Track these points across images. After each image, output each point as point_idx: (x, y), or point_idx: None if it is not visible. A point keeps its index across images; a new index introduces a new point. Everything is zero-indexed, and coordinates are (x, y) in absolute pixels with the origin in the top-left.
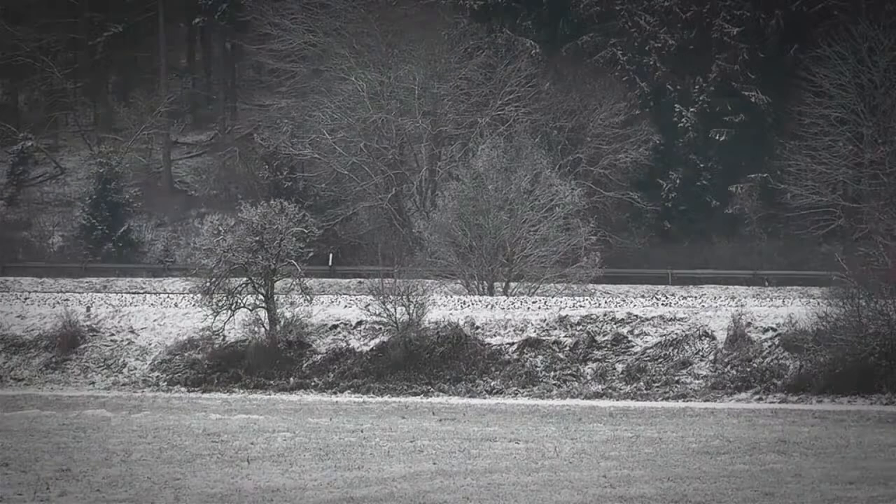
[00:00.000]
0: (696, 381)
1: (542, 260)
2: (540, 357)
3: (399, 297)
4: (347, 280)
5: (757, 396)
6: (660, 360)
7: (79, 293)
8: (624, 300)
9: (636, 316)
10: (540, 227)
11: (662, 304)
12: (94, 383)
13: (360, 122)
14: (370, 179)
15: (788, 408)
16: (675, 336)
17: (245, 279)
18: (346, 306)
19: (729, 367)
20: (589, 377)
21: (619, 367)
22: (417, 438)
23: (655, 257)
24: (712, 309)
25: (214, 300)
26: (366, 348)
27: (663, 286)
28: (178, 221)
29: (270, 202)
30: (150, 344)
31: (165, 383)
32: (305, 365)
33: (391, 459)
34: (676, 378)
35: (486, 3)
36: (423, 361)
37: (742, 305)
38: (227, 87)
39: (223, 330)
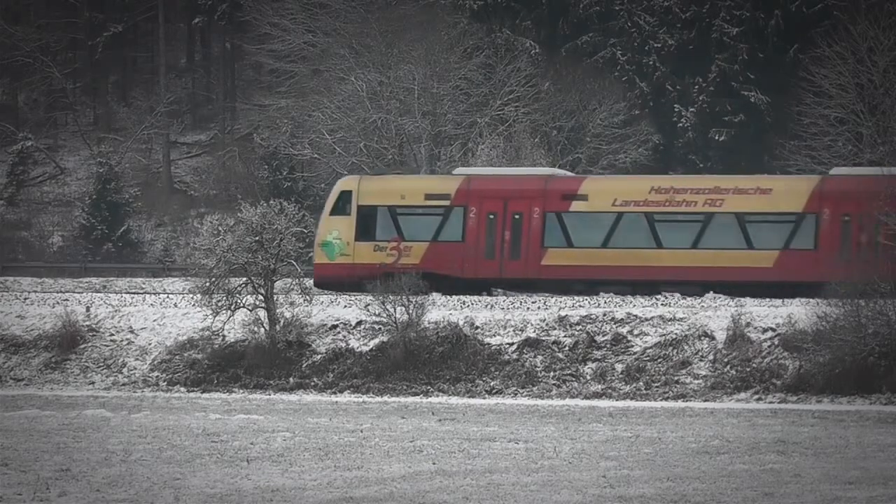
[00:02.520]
0: (696, 381)
1: None
2: (539, 357)
3: (399, 297)
4: None
5: (756, 396)
6: (659, 360)
7: (78, 293)
8: (623, 300)
9: (635, 316)
10: None
11: (662, 304)
12: (93, 383)
13: (360, 122)
14: None
15: (788, 408)
16: (674, 336)
17: (245, 279)
18: (345, 306)
19: (728, 367)
20: (588, 377)
21: (619, 367)
22: (417, 438)
23: None
24: (712, 309)
25: (214, 300)
26: (365, 348)
27: None
28: (178, 221)
29: (270, 202)
30: (149, 344)
31: (165, 383)
32: (305, 365)
33: (391, 459)
34: (676, 378)
35: (486, 3)
36: (423, 361)
37: (741, 305)
38: (227, 87)
39: (223, 330)
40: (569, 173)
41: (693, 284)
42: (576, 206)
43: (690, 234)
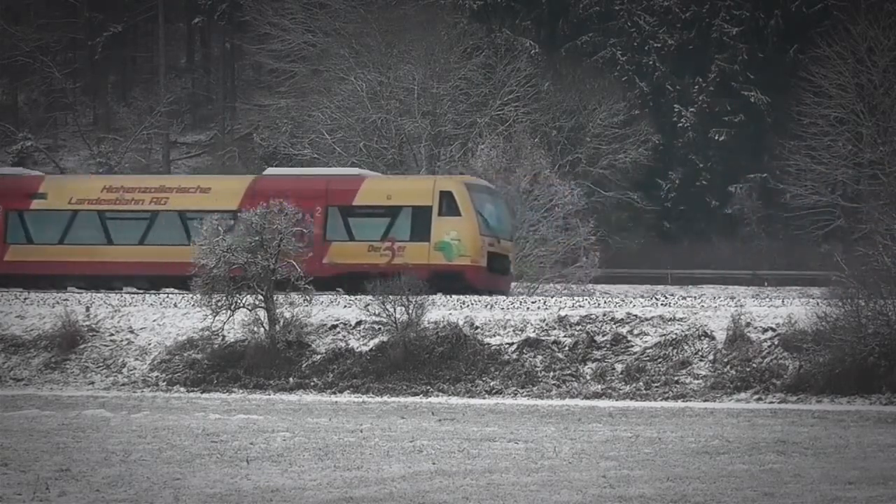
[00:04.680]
0: (696, 382)
1: (542, 260)
2: (539, 357)
3: (398, 297)
4: None
5: (756, 396)
6: (659, 361)
7: (78, 293)
8: (623, 300)
9: (635, 316)
10: (539, 227)
11: (662, 304)
12: (93, 383)
13: (360, 122)
14: None
15: (788, 408)
16: (674, 336)
17: (244, 279)
18: (345, 306)
19: (728, 367)
20: (588, 377)
21: (619, 367)
22: (417, 438)
23: (655, 257)
24: (711, 309)
25: (214, 300)
26: (365, 348)
27: (662, 286)
28: None
29: (270, 202)
30: (149, 344)
31: (165, 383)
32: (305, 365)
33: (390, 459)
34: (676, 378)
35: (486, 3)
36: (423, 361)
37: (741, 305)
38: (227, 87)
39: (222, 330)
40: (34, 172)
41: (142, 279)
42: (36, 204)
43: (138, 231)
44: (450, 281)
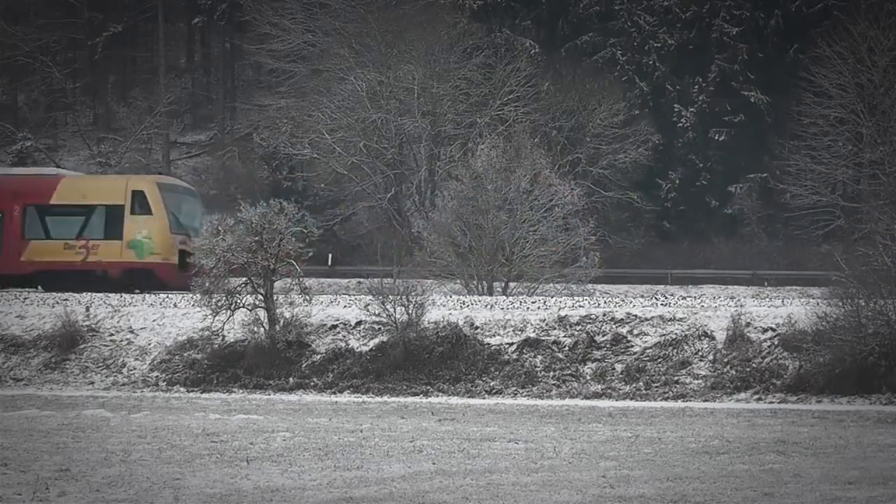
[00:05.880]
0: (696, 382)
1: (542, 260)
2: (539, 357)
3: (398, 297)
4: (347, 280)
5: (756, 396)
6: (659, 361)
7: (78, 293)
8: (623, 300)
9: (635, 316)
10: (539, 227)
11: (662, 304)
12: (93, 383)
13: (360, 122)
14: (369, 179)
15: (788, 408)
16: (674, 336)
17: (244, 279)
18: (345, 306)
19: (728, 367)
20: (588, 377)
21: (619, 367)
22: (417, 438)
23: (655, 257)
24: (711, 309)
25: (213, 300)
26: (365, 348)
27: (662, 286)
28: None
29: (270, 202)
30: (149, 344)
31: (165, 383)
32: (305, 365)
33: (390, 459)
34: (676, 378)
35: (486, 3)
36: (423, 361)
37: (741, 305)
38: (227, 87)
39: (222, 330)
40: None
41: None
42: None
43: None
44: (142, 278)
